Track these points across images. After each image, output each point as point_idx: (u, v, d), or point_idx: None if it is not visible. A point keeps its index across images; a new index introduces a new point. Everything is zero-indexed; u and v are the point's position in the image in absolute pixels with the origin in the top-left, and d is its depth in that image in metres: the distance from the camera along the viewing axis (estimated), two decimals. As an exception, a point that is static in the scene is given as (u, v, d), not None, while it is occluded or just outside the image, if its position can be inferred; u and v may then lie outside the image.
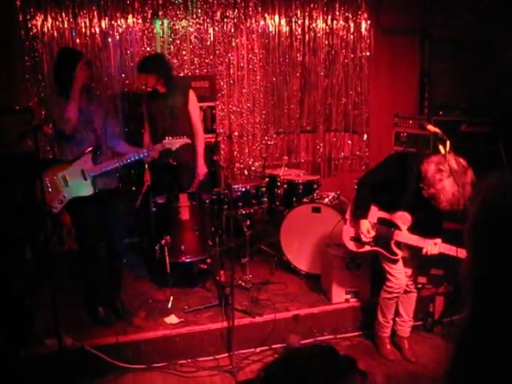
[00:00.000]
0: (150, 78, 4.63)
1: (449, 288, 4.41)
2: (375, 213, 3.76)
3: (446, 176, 3.14)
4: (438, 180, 3.16)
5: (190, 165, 4.77)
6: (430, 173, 3.21)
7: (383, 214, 3.73)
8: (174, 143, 3.92)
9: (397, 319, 3.96)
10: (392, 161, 3.66)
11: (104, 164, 3.79)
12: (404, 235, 3.63)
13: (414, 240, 3.58)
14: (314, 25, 6.11)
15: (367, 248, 3.81)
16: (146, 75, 4.65)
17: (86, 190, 3.77)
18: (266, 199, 4.94)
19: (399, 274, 3.74)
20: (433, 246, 3.45)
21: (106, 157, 3.87)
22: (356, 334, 4.26)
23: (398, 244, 3.68)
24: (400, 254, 3.69)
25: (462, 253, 3.24)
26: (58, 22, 5.25)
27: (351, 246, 3.91)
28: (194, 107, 4.78)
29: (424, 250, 3.49)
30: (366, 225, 3.71)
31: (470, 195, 3.06)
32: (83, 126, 3.77)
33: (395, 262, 3.73)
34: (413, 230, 3.63)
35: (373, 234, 3.72)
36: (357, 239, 3.82)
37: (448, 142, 3.18)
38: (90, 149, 3.76)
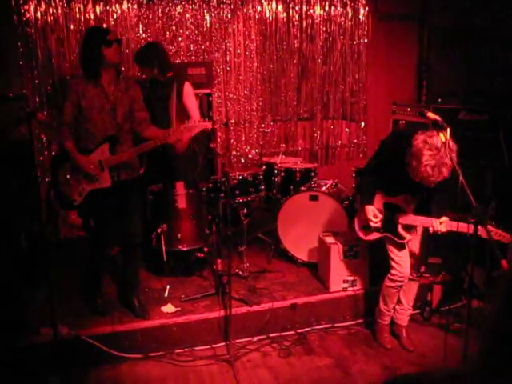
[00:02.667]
0: (146, 71, 4.61)
1: (447, 277, 4.40)
2: (381, 199, 3.76)
3: (427, 150, 3.13)
4: (418, 153, 3.17)
5: (188, 154, 4.71)
6: (415, 147, 3.20)
7: (388, 199, 3.73)
8: (194, 128, 3.68)
9: (397, 307, 3.96)
10: (389, 139, 3.69)
11: (121, 154, 3.65)
12: (409, 217, 3.63)
13: (419, 220, 3.58)
14: (311, 11, 6.04)
15: (377, 235, 3.81)
16: (142, 68, 4.65)
17: (103, 181, 3.65)
18: (263, 187, 4.90)
19: (404, 263, 3.74)
20: (439, 224, 3.43)
21: (126, 145, 3.72)
22: (353, 322, 4.25)
23: (406, 227, 3.68)
24: (408, 237, 3.69)
25: (463, 227, 3.31)
26: (51, 8, 5.17)
27: (362, 234, 3.92)
28: (189, 98, 4.66)
29: (430, 229, 3.48)
30: (371, 209, 3.71)
31: (454, 165, 3.07)
32: (107, 112, 3.63)
33: (403, 246, 3.73)
34: (418, 211, 3.64)
35: (380, 217, 3.72)
36: (366, 227, 3.82)
37: (448, 130, 3.15)
38: (106, 138, 3.62)
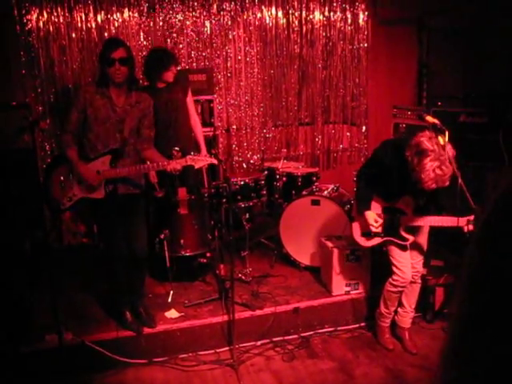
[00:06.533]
0: (175, 71, 4.59)
1: (449, 279, 4.41)
2: (378, 204, 3.77)
3: (424, 156, 3.12)
4: (417, 163, 3.16)
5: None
6: (410, 158, 3.21)
7: (386, 204, 3.74)
8: (199, 161, 3.53)
9: (399, 309, 3.97)
10: (382, 150, 3.66)
11: (120, 169, 3.53)
12: (412, 218, 3.64)
13: (444, 221, 3.54)
14: (311, 16, 6.08)
15: (378, 240, 3.81)
16: (176, 66, 4.61)
17: (97, 192, 3.56)
18: (265, 192, 4.93)
19: (405, 268, 3.74)
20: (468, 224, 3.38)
21: (130, 160, 3.60)
22: (356, 325, 4.26)
23: (407, 229, 3.69)
24: (410, 238, 3.70)
25: None
26: (53, 17, 5.22)
27: (363, 242, 3.92)
28: (191, 101, 4.84)
29: (465, 228, 3.40)
30: (371, 215, 3.72)
31: (453, 169, 3.12)
32: (114, 124, 3.53)
33: (405, 248, 3.74)
34: (417, 212, 3.65)
35: (380, 221, 3.72)
36: (366, 233, 3.82)
37: (447, 133, 3.18)
38: (109, 149, 3.53)
